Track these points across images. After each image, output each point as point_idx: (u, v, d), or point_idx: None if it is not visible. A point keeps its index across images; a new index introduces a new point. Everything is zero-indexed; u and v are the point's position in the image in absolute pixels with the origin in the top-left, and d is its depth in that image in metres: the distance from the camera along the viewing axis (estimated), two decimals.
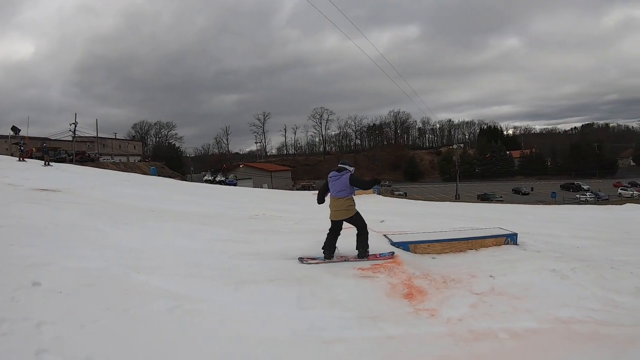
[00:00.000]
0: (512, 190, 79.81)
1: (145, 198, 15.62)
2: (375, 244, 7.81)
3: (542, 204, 45.73)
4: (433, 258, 7.82)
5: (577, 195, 68.30)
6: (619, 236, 14.35)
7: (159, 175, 47.14)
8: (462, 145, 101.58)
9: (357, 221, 7.29)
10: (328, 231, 7.34)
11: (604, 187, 77.58)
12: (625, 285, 6.47)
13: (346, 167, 7.33)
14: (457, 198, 62.69)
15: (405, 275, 6.38)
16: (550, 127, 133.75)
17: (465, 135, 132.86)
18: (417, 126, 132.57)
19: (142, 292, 5.23)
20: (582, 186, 79.73)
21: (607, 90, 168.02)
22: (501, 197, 67.45)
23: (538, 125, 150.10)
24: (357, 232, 7.31)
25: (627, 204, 33.06)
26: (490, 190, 74.74)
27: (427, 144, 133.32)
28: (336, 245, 7.36)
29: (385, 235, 8.77)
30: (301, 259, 7.21)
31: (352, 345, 4.34)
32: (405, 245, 8.01)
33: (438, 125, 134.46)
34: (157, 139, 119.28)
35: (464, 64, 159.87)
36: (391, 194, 65.61)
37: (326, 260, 7.17)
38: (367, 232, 7.28)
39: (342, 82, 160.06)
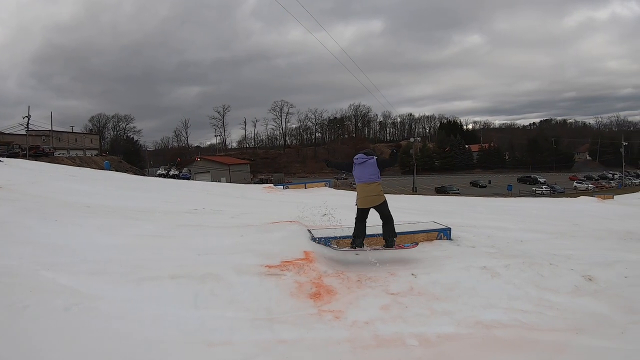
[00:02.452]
0: (470, 183, 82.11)
1: (86, 193, 14.99)
2: (302, 239, 7.53)
3: (498, 196, 46.36)
4: (356, 254, 7.45)
5: (533, 188, 71.37)
6: (568, 229, 14.46)
7: (113, 170, 45.17)
8: (419, 139, 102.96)
9: (386, 208, 6.98)
10: (356, 219, 7.09)
11: (560, 181, 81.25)
12: (563, 284, 6.25)
13: (369, 151, 7.20)
14: (414, 191, 63.14)
15: (316, 274, 5.98)
16: (509, 122, 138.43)
17: (426, 129, 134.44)
18: (378, 120, 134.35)
19: (47, 290, 5.00)
20: (539, 179, 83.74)
21: (565, 87, 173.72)
22: (458, 189, 68.50)
23: (497, 121, 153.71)
24: (383, 221, 7.02)
25: (581, 197, 33.90)
26: (449, 183, 75.42)
27: (388, 138, 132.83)
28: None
29: (309, 229, 8.33)
30: (329, 245, 7.25)
31: (236, 349, 4.15)
32: (327, 241, 7.59)
33: (399, 119, 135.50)
34: (115, 132, 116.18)
35: (427, 59, 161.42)
36: (351, 186, 65.41)
37: (357, 249, 7.07)
38: (393, 220, 7.01)
39: (304, 75, 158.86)
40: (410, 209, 18.15)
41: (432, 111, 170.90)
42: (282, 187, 26.45)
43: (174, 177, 60.70)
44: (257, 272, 5.94)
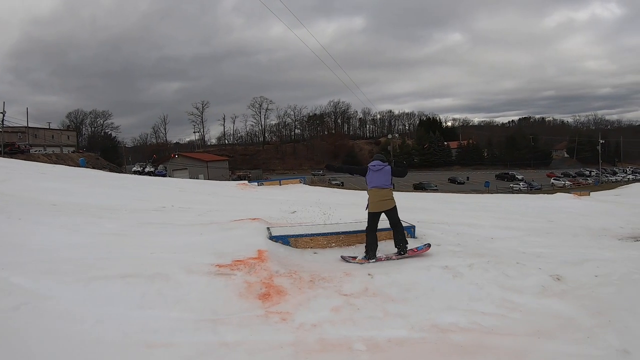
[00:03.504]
0: (448, 179, 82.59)
1: (56, 191, 14.57)
2: (259, 237, 7.49)
3: (476, 193, 46.61)
4: (315, 253, 7.38)
5: (511, 185, 72.27)
6: (542, 226, 14.54)
7: (89, 167, 44.51)
8: (397, 135, 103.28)
9: (396, 214, 7.15)
10: (367, 229, 7.09)
11: (538, 177, 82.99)
12: (529, 284, 6.03)
13: (383, 157, 7.34)
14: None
15: (267, 273, 5.84)
16: (488, 119, 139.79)
17: (406, 126, 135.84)
18: (358, 116, 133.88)
19: None
20: (517, 176, 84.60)
21: (544, 86, 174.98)
22: (436, 186, 68.81)
23: (477, 118, 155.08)
24: (393, 227, 7.16)
25: (558, 194, 34.28)
26: (427, 179, 75.62)
27: (367, 134, 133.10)
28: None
29: (268, 227, 8.19)
30: (344, 258, 7.06)
31: (175, 351, 4.03)
32: (285, 239, 7.43)
33: (379, 116, 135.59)
34: (93, 128, 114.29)
35: (408, 56, 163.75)
36: (328, 183, 65.28)
37: (370, 261, 6.88)
38: (403, 226, 7.19)
39: (285, 71, 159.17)
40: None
41: (412, 108, 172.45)
42: (256, 184, 26.10)
43: (149, 174, 60.17)
44: (206, 271, 5.77)
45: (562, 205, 22.41)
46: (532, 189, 68.28)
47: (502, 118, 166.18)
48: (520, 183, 74.45)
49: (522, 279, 6.11)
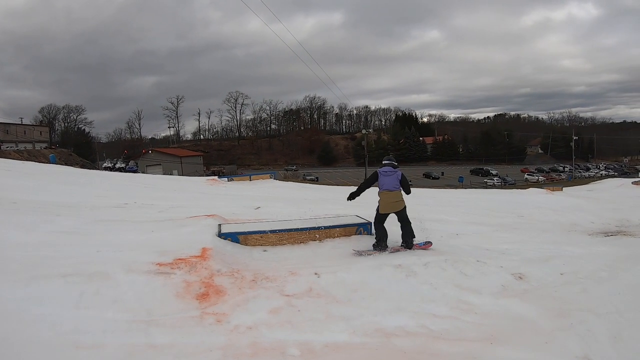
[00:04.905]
0: (423, 174, 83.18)
1: (18, 189, 14.31)
2: (208, 235, 7.28)
3: (450, 188, 46.75)
4: (264, 251, 7.14)
5: (485, 180, 72.92)
6: (511, 220, 14.56)
7: (62, 163, 43.64)
8: (370, 130, 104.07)
9: (405, 213, 7.39)
10: (378, 224, 7.37)
11: (512, 173, 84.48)
12: (488, 283, 5.87)
13: (394, 163, 7.68)
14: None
15: (207, 272, 5.62)
16: (464, 115, 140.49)
17: (382, 121, 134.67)
18: (334, 112, 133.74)
19: None
20: (491, 171, 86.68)
21: (520, 84, 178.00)
22: (411, 181, 67.86)
23: (453, 114, 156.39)
24: (401, 224, 7.37)
25: (530, 189, 34.43)
26: None
27: (344, 130, 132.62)
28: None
29: (220, 224, 7.96)
30: (358, 252, 7.09)
31: (102, 353, 3.96)
32: (234, 237, 7.21)
33: (355, 112, 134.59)
34: (66, 124, 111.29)
35: (386, 52, 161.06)
36: (303, 178, 65.12)
37: (381, 252, 7.10)
38: (411, 223, 7.41)
39: (261, 66, 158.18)
40: (356, 202, 17.41)
41: (389, 104, 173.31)
42: (226, 179, 25.73)
43: (119, 170, 59.45)
44: (146, 270, 5.55)
45: (534, 201, 22.55)
46: (505, 184, 69.20)
47: (478, 114, 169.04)
48: (495, 178, 75.42)
49: (481, 278, 5.92)
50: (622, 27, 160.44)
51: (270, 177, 27.43)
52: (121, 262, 5.77)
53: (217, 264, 5.89)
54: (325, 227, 7.51)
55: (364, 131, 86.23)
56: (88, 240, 7.19)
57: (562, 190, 33.55)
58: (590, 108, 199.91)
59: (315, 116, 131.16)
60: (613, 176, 79.74)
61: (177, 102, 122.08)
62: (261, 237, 7.19)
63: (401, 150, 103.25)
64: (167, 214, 10.67)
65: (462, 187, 54.37)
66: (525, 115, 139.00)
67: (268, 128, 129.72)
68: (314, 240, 7.29)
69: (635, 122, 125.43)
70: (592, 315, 4.84)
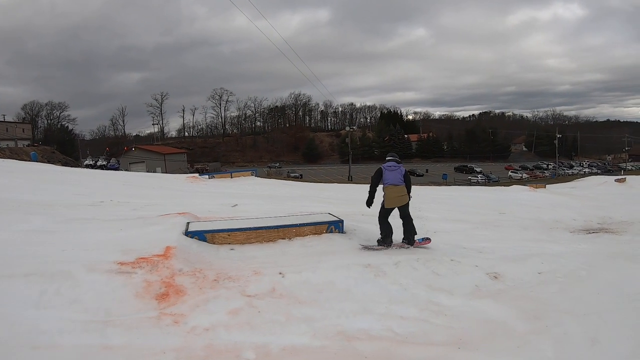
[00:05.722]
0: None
1: None
2: (174, 233, 7.08)
3: (434, 185, 46.82)
4: (231, 249, 6.94)
5: (469, 177, 73.90)
6: (493, 218, 14.50)
7: (44, 161, 43.18)
8: (354, 127, 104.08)
9: (407, 209, 7.60)
10: (383, 219, 7.50)
11: (496, 170, 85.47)
12: (461, 283, 5.70)
13: (397, 159, 7.86)
14: (350, 179, 62.43)
15: (169, 272, 5.48)
16: (449, 113, 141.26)
17: (367, 118, 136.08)
18: (319, 109, 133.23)
19: None
20: (475, 169, 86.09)
21: (506, 82, 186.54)
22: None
23: (438, 112, 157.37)
24: (403, 220, 7.59)
25: (514, 186, 34.50)
26: None
27: (329, 127, 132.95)
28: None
29: (188, 222, 7.75)
30: (365, 247, 7.23)
31: (57, 354, 3.89)
32: (201, 235, 7.03)
33: (340, 109, 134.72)
34: (49, 121, 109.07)
35: (372, 50, 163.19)
36: (287, 175, 64.96)
37: (390, 247, 7.30)
38: (412, 219, 7.66)
39: (247, 63, 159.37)
40: (332, 199, 18.03)
41: (375, 101, 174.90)
42: (207, 176, 25.37)
43: (101, 167, 58.93)
44: (107, 269, 5.45)
45: (517, 198, 22.57)
46: (489, 182, 70.30)
47: (463, 112, 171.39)
48: (478, 175, 75.62)
49: (454, 277, 5.77)
50: (607, 28, 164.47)
51: (252, 175, 27.15)
52: (84, 261, 5.64)
53: (179, 263, 5.75)
54: (294, 225, 7.30)
55: (347, 128, 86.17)
56: (56, 239, 7.08)
57: (545, 187, 33.58)
58: (574, 107, 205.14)
59: (301, 113, 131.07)
60: (596, 174, 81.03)
61: (162, 98, 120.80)
62: (229, 235, 7.02)
63: (386, 148, 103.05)
64: (141, 212, 10.59)
65: (446, 185, 54.67)
66: (510, 113, 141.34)
67: (253, 125, 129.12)
68: (284, 238, 7.18)
69: (618, 120, 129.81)
70: (569, 317, 4.67)
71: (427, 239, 7.72)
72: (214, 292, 5.18)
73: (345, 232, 7.62)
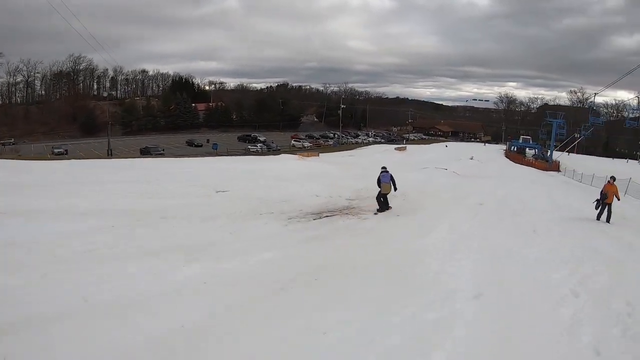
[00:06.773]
0: (186, 142, 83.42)
1: None
2: None
3: (207, 156, 45.39)
4: None
5: (248, 147, 75.50)
6: (199, 200, 15.52)
7: None
8: (105, 94, 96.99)
9: (387, 196, 15.87)
10: (379, 199, 15.42)
11: (283, 139, 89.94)
12: None
13: (386, 169, 15.91)
14: (109, 154, 57.82)
15: None
16: (245, 84, 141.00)
17: (159, 87, 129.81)
18: (109, 75, 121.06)
19: None
20: (259, 138, 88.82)
21: (308, 58, 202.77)
22: (163, 150, 66.02)
23: (233, 83, 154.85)
24: (384, 200, 15.48)
25: (281, 155, 34.43)
26: (165, 143, 76.26)
27: (119, 95, 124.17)
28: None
29: None
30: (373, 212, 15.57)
31: None
32: None
33: (132, 76, 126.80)
34: None
35: (179, 15, 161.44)
36: (51, 152, 58.72)
37: (378, 213, 15.27)
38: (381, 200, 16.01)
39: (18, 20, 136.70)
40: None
41: (177, 70, 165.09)
42: None
43: None
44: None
45: (269, 169, 21.75)
46: (270, 150, 73.30)
47: (263, 84, 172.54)
48: (259, 145, 78.33)
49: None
50: (410, 20, 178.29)
51: None
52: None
53: None
54: None
55: (104, 93, 79.48)
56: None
57: (318, 155, 33.69)
58: (369, 84, 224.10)
59: (88, 81, 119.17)
60: (380, 142, 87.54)
61: None
62: None
63: (171, 117, 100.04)
64: None
65: (217, 155, 53.32)
66: (307, 86, 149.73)
67: (26, 94, 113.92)
68: None
69: (407, 98, 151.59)
70: None
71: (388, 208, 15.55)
72: None
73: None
